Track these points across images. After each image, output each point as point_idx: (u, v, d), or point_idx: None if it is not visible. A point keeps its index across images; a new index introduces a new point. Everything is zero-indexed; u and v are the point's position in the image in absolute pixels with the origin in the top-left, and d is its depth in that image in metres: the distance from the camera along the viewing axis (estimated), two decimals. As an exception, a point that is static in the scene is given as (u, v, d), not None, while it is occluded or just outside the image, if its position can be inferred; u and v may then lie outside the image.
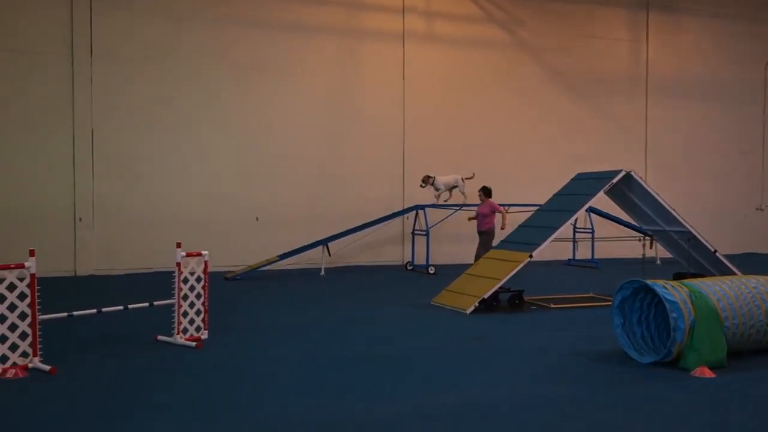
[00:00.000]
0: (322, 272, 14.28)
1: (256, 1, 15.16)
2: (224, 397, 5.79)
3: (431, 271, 14.39)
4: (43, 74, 13.70)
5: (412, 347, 7.71)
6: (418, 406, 5.57)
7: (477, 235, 13.25)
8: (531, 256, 9.96)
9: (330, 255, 14.50)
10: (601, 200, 11.45)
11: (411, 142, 16.43)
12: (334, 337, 8.21)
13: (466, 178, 14.99)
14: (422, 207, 15.01)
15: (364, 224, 14.88)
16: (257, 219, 15.15)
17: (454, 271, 11.76)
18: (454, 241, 15.96)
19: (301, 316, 9.63)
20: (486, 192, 13.58)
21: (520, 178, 17.04)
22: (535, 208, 12.26)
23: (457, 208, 15.13)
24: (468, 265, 11.22)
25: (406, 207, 15.82)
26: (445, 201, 15.04)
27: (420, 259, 15.13)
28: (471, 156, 16.82)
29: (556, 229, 10.34)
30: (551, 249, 11.63)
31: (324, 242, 14.45)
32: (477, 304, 9.69)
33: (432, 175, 14.78)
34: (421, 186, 14.78)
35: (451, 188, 14.98)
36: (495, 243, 11.95)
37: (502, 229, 13.49)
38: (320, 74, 15.72)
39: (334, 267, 15.03)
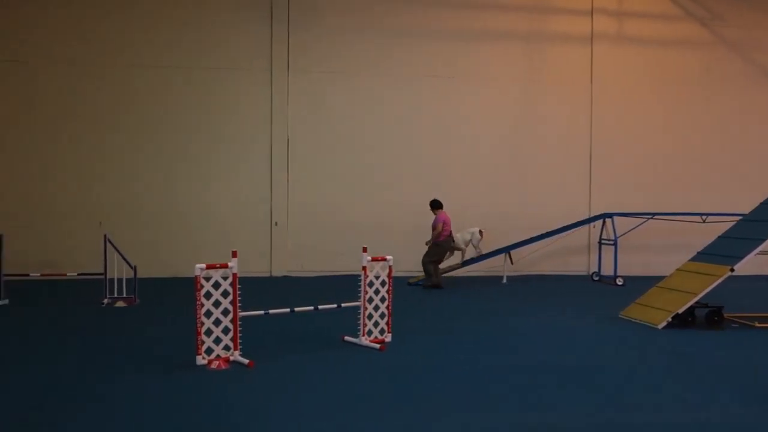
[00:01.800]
0: (504, 280, 14.16)
1: (441, 11, 15.39)
2: (401, 397, 5.91)
3: (619, 283, 13.76)
4: (244, 88, 14.83)
5: (594, 360, 7.41)
6: (594, 425, 5.34)
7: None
8: (732, 270, 9.23)
9: (512, 263, 14.34)
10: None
11: (598, 147, 15.85)
12: (511, 345, 8.12)
13: (482, 231, 13.88)
14: (610, 215, 14.37)
15: (548, 232, 14.56)
16: (440, 225, 15.34)
17: (645, 283, 11.15)
18: (644, 252, 15.17)
19: (480, 322, 9.62)
20: (434, 204, 13.35)
21: (719, 185, 15.86)
22: (738, 217, 11.32)
23: (649, 217, 14.34)
24: (661, 278, 10.60)
25: (592, 215, 15.26)
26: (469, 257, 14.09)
27: (607, 270, 14.49)
28: (662, 161, 15.93)
29: (763, 241, 9.47)
30: (756, 263, 10.67)
31: (506, 250, 14.32)
32: (670, 319, 9.14)
33: None
34: None
35: (468, 242, 13.88)
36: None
37: (426, 244, 13.08)
38: (505, 80, 15.63)
39: (517, 275, 14.82)
